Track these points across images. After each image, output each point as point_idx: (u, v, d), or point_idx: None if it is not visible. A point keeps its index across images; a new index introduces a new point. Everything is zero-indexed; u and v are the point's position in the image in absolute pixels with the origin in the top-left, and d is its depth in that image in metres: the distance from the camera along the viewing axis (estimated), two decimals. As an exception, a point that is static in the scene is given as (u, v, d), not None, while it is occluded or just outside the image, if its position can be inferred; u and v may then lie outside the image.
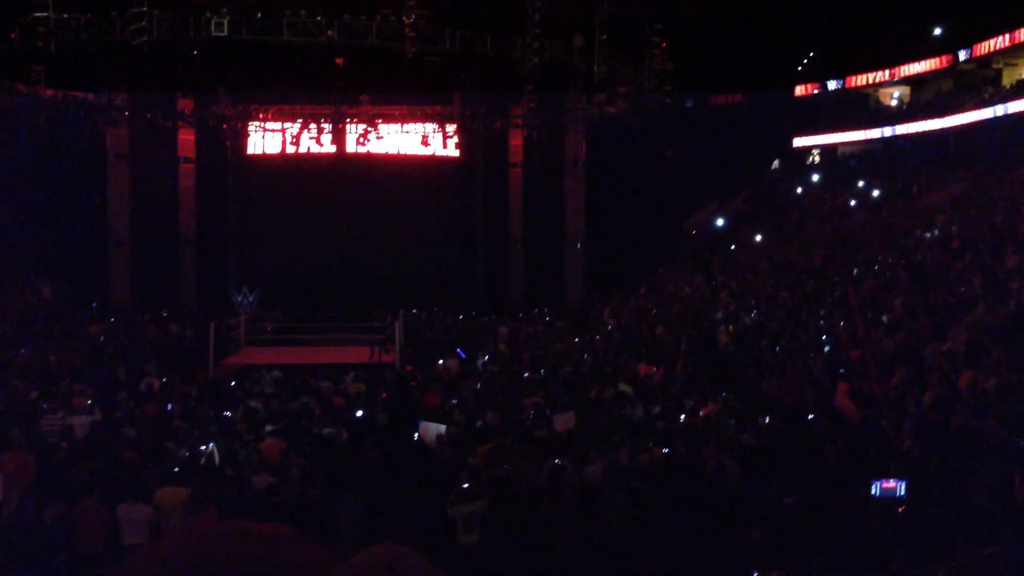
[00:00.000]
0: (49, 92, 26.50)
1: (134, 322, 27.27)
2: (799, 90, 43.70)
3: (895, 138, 39.75)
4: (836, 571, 8.22)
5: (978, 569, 6.70)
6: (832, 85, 42.84)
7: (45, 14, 21.86)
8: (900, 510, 8.86)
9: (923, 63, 39.46)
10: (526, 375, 18.04)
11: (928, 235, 24.72)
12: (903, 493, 8.83)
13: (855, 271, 22.57)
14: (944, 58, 38.46)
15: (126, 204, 32.70)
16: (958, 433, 10.58)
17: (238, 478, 10.61)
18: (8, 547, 9.68)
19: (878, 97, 43.69)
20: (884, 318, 17.39)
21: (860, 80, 42.45)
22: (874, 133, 40.19)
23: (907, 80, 41.21)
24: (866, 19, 37.55)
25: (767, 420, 12.89)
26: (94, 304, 30.71)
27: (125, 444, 11.92)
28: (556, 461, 10.58)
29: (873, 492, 8.90)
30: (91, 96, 29.49)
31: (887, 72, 41.03)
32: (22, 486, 10.47)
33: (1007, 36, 34.94)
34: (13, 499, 10.18)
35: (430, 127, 33.88)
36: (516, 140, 33.93)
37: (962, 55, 37.34)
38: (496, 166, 35.10)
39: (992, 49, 36.15)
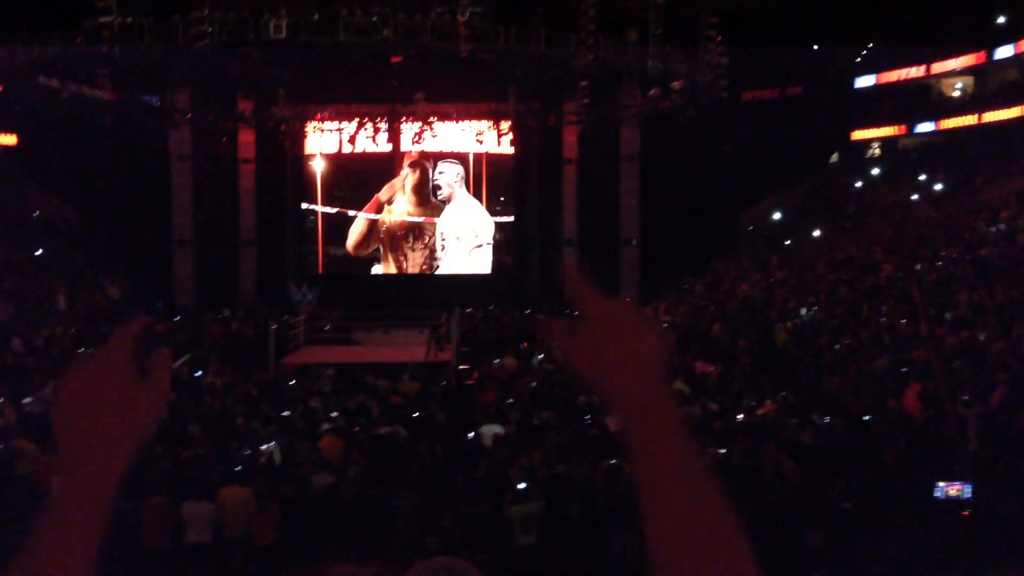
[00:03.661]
0: (114, 95, 27.08)
1: (197, 320, 27.79)
2: (860, 82, 42.90)
3: (957, 130, 38.95)
4: (900, 574, 8.10)
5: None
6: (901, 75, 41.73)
7: (109, 19, 22.35)
8: (966, 513, 8.70)
9: (976, 55, 38.51)
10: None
11: (992, 229, 24.17)
12: (969, 496, 8.67)
13: (918, 267, 22.14)
14: (1010, 47, 37.49)
15: (189, 205, 33.36)
16: (1025, 434, 10.36)
17: (298, 477, 10.78)
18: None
19: (940, 88, 42.75)
20: (948, 315, 17.04)
21: (918, 71, 41.51)
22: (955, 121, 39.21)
23: (970, 70, 40.25)
24: (922, 8, 36.80)
25: (827, 420, 12.72)
26: (159, 303, 31.35)
27: (190, 442, 12.17)
28: (612, 461, 10.55)
29: (937, 494, 8.75)
30: (154, 99, 30.09)
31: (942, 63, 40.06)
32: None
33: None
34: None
35: (484, 124, 33.96)
36: (570, 137, 33.82)
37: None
38: (550, 163, 35.03)
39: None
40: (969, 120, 38.65)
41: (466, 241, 34.58)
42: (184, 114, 30.48)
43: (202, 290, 33.07)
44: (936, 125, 40.04)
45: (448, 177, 34.60)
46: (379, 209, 34.42)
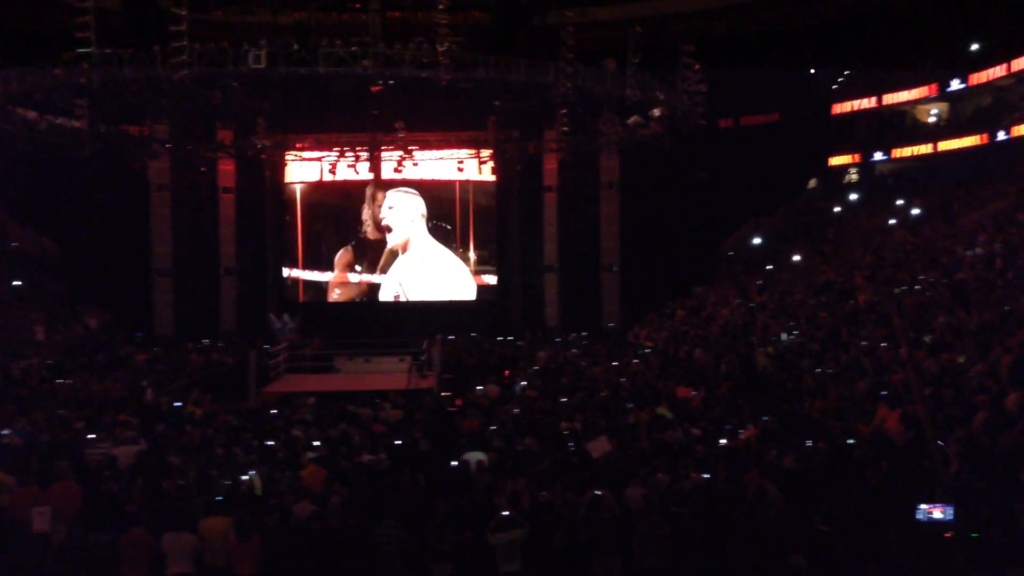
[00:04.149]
0: (92, 126, 26.99)
1: (177, 351, 27.62)
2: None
3: (933, 155, 39.55)
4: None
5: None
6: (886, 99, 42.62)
7: (88, 49, 22.30)
8: (947, 535, 8.74)
9: (958, 81, 39.17)
10: (564, 400, 17.99)
11: (970, 253, 24.40)
12: (951, 518, 8.71)
13: (897, 291, 22.31)
14: (983, 73, 38.11)
15: (168, 234, 33.20)
16: (1006, 455, 10.41)
17: (280, 507, 10.69)
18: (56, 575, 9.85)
19: (915, 114, 43.31)
20: (927, 338, 17.16)
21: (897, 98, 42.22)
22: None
23: (945, 96, 40.90)
24: (902, 35, 37.35)
25: (809, 444, 12.75)
26: (138, 334, 31.15)
27: (170, 473, 12.06)
28: (596, 492, 10.52)
29: (919, 517, 8.78)
30: (133, 129, 30.02)
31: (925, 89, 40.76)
32: (69, 516, 10.63)
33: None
34: (61, 529, 10.35)
35: (465, 153, 34.11)
36: (551, 164, 34.02)
37: (1000, 70, 36.93)
38: (531, 190, 35.19)
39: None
40: (925, 149, 40.46)
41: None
42: (163, 144, 30.41)
43: (182, 320, 32.88)
44: (889, 154, 41.17)
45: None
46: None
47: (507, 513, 9.99)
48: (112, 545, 9.80)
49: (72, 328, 28.65)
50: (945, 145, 38.85)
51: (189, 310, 33.17)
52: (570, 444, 13.67)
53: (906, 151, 40.80)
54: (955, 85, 39.19)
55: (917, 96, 40.97)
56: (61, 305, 30.33)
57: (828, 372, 17.27)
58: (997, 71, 37.03)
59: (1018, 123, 35.54)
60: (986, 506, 9.39)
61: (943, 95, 40.13)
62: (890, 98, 41.55)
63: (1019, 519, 8.99)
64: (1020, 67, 36.01)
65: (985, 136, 37.02)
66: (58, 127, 25.94)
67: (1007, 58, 36.44)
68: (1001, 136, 36.15)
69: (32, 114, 25.25)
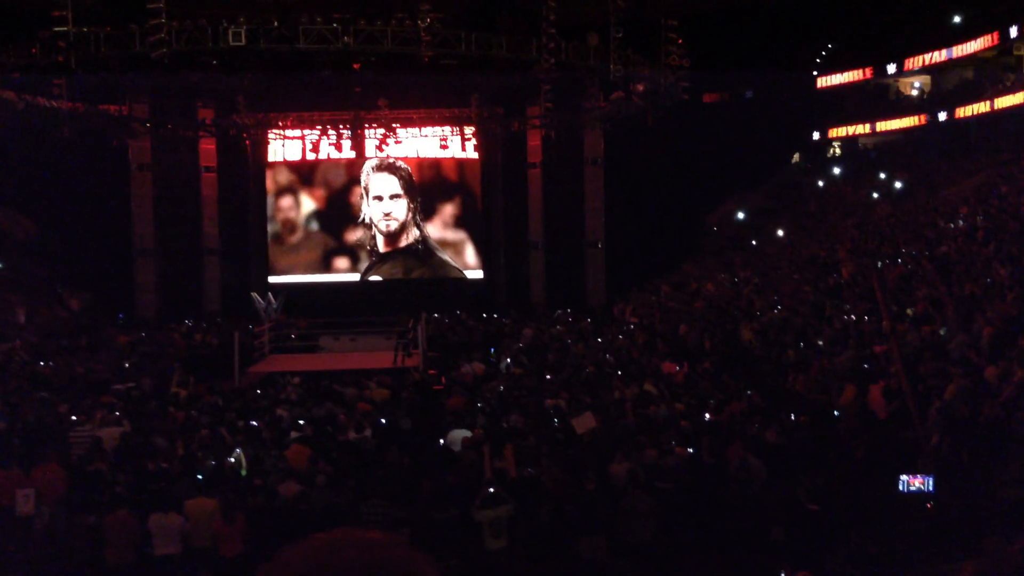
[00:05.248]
0: (71, 106, 26.74)
1: (160, 332, 27.50)
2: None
3: (915, 128, 39.63)
4: (864, 569, 8.17)
5: (1008, 564, 6.65)
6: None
7: (65, 28, 22.05)
8: (929, 505, 8.82)
9: (943, 51, 39.16)
10: (549, 377, 18.03)
11: (952, 226, 24.51)
12: (932, 488, 8.79)
13: (880, 264, 22.40)
14: (965, 44, 38.10)
15: (150, 214, 32.98)
16: (986, 427, 10.50)
17: (265, 487, 10.69)
18: (41, 559, 9.82)
19: (899, 87, 43.33)
20: (909, 311, 17.25)
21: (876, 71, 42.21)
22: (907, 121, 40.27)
23: (927, 69, 40.88)
24: (881, 8, 37.38)
25: (792, 417, 12.83)
26: (120, 315, 30.99)
27: (155, 455, 12.04)
28: (581, 463, 10.56)
29: (900, 488, 8.86)
30: (113, 108, 29.74)
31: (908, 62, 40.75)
32: (53, 499, 10.60)
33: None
34: (45, 512, 10.32)
35: (448, 130, 33.98)
36: (534, 141, 33.95)
37: (981, 42, 36.94)
38: (515, 167, 35.13)
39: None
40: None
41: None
42: (143, 123, 30.16)
43: (165, 301, 32.73)
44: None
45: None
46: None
47: (492, 490, 10.01)
48: (97, 527, 9.79)
49: (54, 310, 28.43)
50: (929, 118, 38.86)
51: (172, 291, 33.02)
52: (555, 420, 13.69)
53: (890, 124, 40.74)
54: (939, 58, 39.14)
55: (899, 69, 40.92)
56: (42, 287, 30.08)
57: (811, 345, 17.34)
58: (980, 43, 37.04)
59: (1001, 95, 35.58)
60: (966, 476, 9.48)
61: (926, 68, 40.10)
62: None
63: (998, 489, 9.08)
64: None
65: (968, 109, 37.02)
66: (37, 107, 25.69)
67: (988, 30, 36.47)
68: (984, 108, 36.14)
69: (10, 94, 24.99)
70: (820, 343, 17.21)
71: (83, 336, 25.37)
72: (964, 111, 37.09)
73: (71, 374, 20.10)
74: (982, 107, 36.23)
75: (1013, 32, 34.79)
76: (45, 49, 22.60)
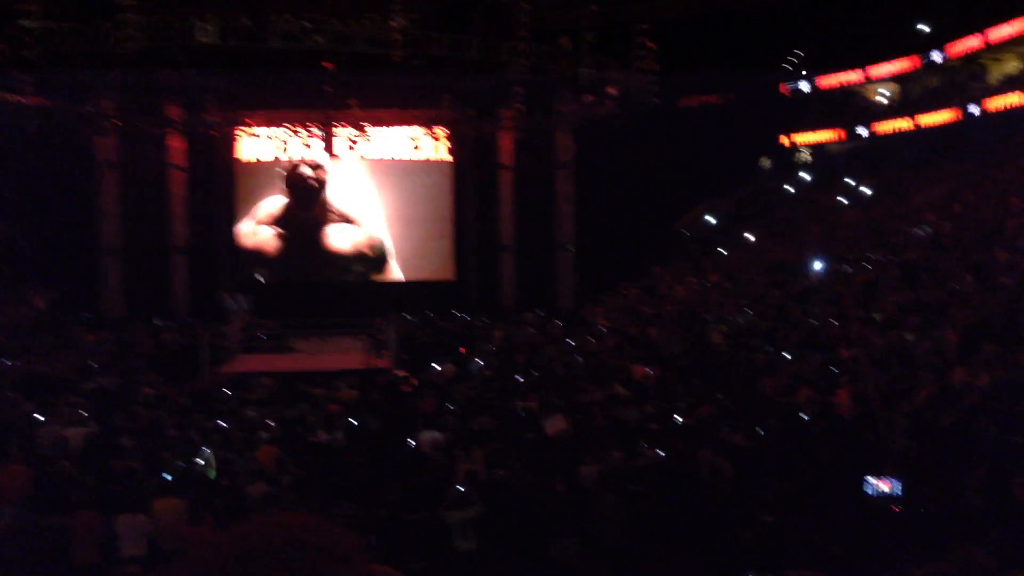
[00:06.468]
0: (37, 102, 26.40)
1: (126, 331, 27.20)
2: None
3: (882, 136, 40.06)
4: (831, 571, 8.24)
5: (973, 568, 6.73)
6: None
7: (32, 23, 21.77)
8: (895, 509, 8.91)
9: (905, 61, 39.66)
10: (520, 379, 18.04)
11: (919, 232, 24.82)
12: (899, 492, 8.88)
13: (847, 269, 22.66)
14: (928, 54, 38.61)
15: (117, 212, 32.61)
16: (951, 431, 10.63)
17: (233, 487, 10.61)
18: (4, 560, 9.67)
19: (865, 94, 43.79)
20: (876, 316, 17.46)
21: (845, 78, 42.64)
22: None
23: (894, 77, 41.38)
24: (850, 16, 37.74)
25: (760, 420, 12.92)
26: (86, 314, 30.60)
27: (121, 454, 11.90)
28: (551, 465, 10.59)
29: (867, 490, 8.94)
30: (79, 105, 29.39)
31: (870, 69, 41.21)
32: (17, 498, 10.44)
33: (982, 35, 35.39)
34: (8, 512, 10.16)
35: (420, 131, 33.90)
36: (506, 143, 33.97)
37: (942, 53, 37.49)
38: (486, 169, 35.11)
39: (970, 49, 36.51)
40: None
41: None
42: (111, 120, 29.83)
43: (132, 299, 32.36)
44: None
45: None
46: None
47: (462, 489, 10.01)
48: (62, 528, 9.66)
49: (18, 308, 28.03)
50: (893, 125, 39.36)
51: (139, 289, 32.65)
52: (525, 422, 13.70)
53: (858, 130, 41.22)
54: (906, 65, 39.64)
55: (864, 77, 41.41)
56: (6, 285, 29.64)
57: (779, 349, 17.49)
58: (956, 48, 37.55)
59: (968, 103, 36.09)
60: (932, 480, 9.59)
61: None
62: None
63: (965, 493, 9.19)
64: (966, 48, 36.58)
65: (935, 116, 37.50)
66: (2, 102, 25.35)
67: (951, 39, 37.02)
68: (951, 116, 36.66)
69: (-26, 89, 24.66)
70: (787, 347, 17.37)
71: (48, 334, 25.05)
72: (928, 119, 37.63)
73: (35, 372, 19.84)
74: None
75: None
76: (10, 44, 22.31)
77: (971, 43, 36.32)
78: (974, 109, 35.15)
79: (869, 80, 41.96)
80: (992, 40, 35.57)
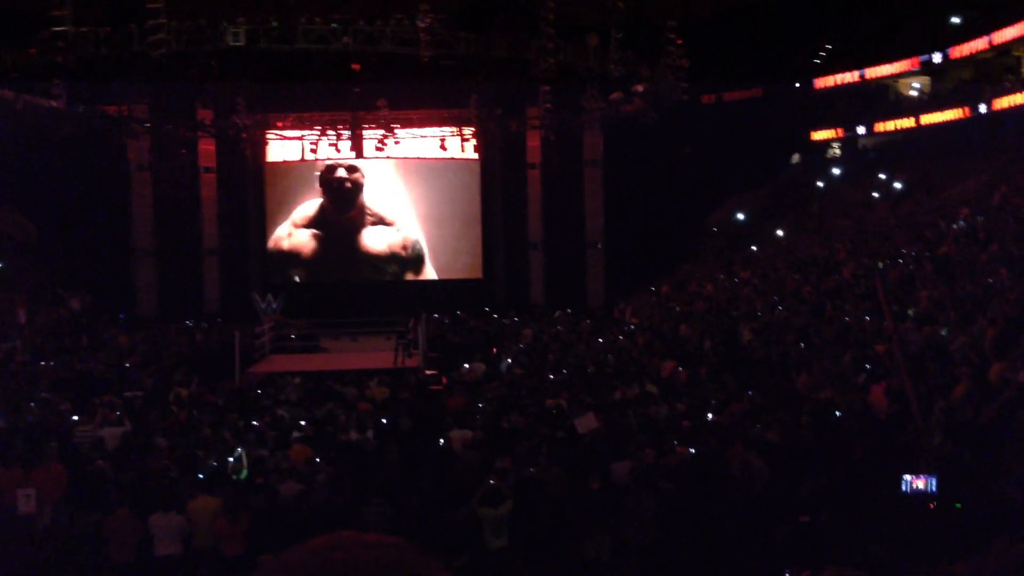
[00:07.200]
0: (69, 106, 26.69)
1: (161, 332, 27.48)
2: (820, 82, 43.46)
3: (915, 129, 39.58)
4: (869, 568, 8.15)
5: (1012, 563, 6.63)
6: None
7: (63, 28, 21.98)
8: (932, 506, 8.79)
9: (937, 54, 39.20)
10: (551, 377, 18.01)
11: (953, 226, 24.48)
12: (934, 489, 8.76)
13: (880, 264, 22.39)
14: (963, 47, 38.09)
15: (149, 215, 33.02)
16: (988, 427, 10.48)
17: (266, 486, 10.67)
18: (42, 559, 9.80)
19: (898, 88, 43.30)
20: (910, 311, 17.24)
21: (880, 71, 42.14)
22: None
23: (927, 70, 40.87)
24: (883, 9, 37.34)
25: (793, 417, 12.81)
26: (121, 315, 30.96)
27: (157, 454, 12.01)
28: (584, 463, 10.56)
29: (903, 488, 8.83)
30: (112, 109, 29.70)
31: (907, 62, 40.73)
32: (55, 498, 10.59)
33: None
34: (46, 511, 10.31)
35: (448, 131, 33.95)
36: (534, 141, 33.94)
37: (981, 43, 36.94)
38: (514, 168, 35.12)
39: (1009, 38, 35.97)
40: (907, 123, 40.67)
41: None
42: (143, 123, 30.13)
43: (165, 301, 32.74)
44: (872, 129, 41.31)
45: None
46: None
47: (494, 482, 9.99)
48: (98, 527, 9.77)
49: (54, 310, 28.40)
50: (927, 119, 38.88)
51: (172, 291, 33.03)
52: (557, 421, 13.67)
53: (889, 125, 40.80)
54: (937, 59, 39.17)
55: (899, 70, 40.93)
56: (43, 287, 30.04)
57: (812, 345, 17.32)
58: (978, 44, 37.03)
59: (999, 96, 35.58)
60: (969, 477, 9.46)
61: (925, 68, 40.11)
62: (873, 72, 41.46)
63: (1001, 489, 9.06)
64: (1002, 39, 36.03)
65: (967, 110, 37.02)
66: (35, 107, 25.65)
67: (988, 31, 36.47)
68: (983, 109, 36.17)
69: (8, 94, 24.95)
70: (821, 343, 17.19)
71: (84, 336, 25.34)
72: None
73: (72, 374, 20.08)
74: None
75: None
76: (43, 49, 22.54)
77: (1008, 34, 35.74)
78: (1007, 102, 34.63)
79: (901, 74, 41.48)
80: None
